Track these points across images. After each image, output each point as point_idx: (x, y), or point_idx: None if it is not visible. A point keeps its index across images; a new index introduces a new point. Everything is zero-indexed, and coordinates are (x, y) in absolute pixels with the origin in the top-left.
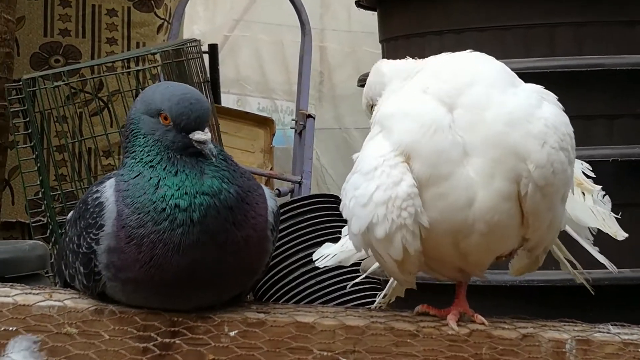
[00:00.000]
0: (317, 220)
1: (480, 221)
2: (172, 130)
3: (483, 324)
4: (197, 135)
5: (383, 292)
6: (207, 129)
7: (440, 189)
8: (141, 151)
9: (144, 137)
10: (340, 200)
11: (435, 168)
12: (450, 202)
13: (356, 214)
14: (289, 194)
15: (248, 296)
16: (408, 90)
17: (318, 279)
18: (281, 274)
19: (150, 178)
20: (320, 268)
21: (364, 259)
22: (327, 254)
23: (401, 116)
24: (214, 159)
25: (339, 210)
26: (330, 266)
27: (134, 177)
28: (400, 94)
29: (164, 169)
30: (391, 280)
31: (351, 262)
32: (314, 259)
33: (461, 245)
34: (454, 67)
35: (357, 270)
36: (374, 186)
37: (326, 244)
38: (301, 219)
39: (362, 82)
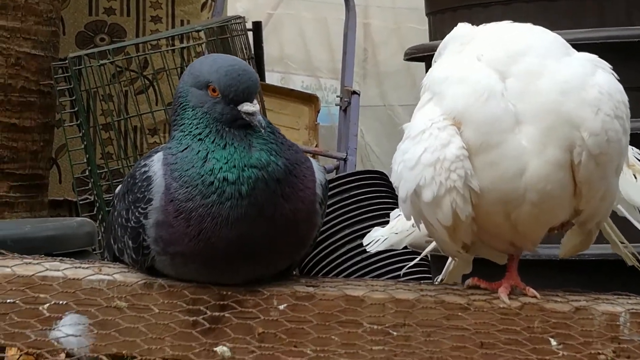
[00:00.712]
0: (362, 197)
1: (532, 190)
2: (221, 102)
3: (535, 297)
4: (246, 107)
5: (440, 277)
6: (255, 101)
7: (491, 156)
8: (189, 124)
9: (192, 110)
10: (386, 176)
11: (486, 135)
12: (501, 171)
13: (404, 177)
14: (334, 170)
15: (295, 271)
16: (461, 56)
17: (364, 255)
18: (327, 250)
19: (199, 151)
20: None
21: (415, 241)
22: (377, 238)
23: (453, 82)
24: (263, 131)
25: (384, 187)
26: (381, 250)
27: (182, 151)
28: (454, 59)
29: (213, 141)
30: (448, 261)
31: (403, 245)
32: (364, 244)
33: (512, 216)
34: (509, 36)
35: (406, 250)
36: (421, 149)
37: (375, 227)
38: (347, 195)
39: (408, 56)
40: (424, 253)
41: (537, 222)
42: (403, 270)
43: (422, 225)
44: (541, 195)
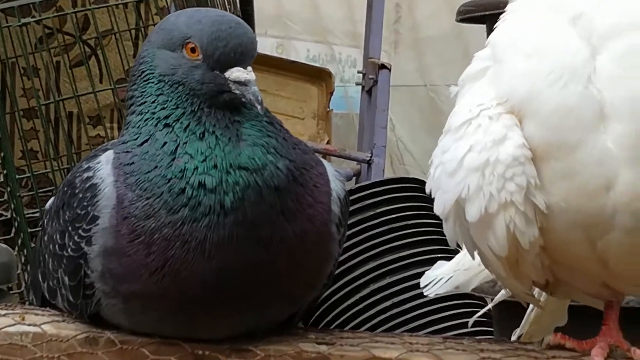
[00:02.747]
0: (394, 216)
1: (624, 212)
2: (201, 66)
3: None
4: (237, 73)
5: (517, 331)
6: (249, 68)
7: (565, 163)
8: (153, 102)
9: (158, 81)
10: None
11: (558, 133)
12: (578, 183)
13: (442, 186)
14: (354, 177)
15: (300, 321)
16: (547, 14)
17: (396, 299)
18: (344, 291)
19: (165, 143)
20: (397, 284)
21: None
22: (437, 278)
23: (521, 52)
24: (258, 108)
25: (425, 201)
26: (442, 294)
27: (142, 144)
28: (533, 17)
29: (185, 128)
30: (529, 309)
31: (473, 287)
32: (421, 286)
33: (598, 246)
34: None
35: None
36: (465, 146)
37: (438, 262)
38: (371, 213)
39: (463, 15)
40: (496, 299)
41: (634, 256)
42: (470, 321)
43: (476, 254)
44: (637, 219)
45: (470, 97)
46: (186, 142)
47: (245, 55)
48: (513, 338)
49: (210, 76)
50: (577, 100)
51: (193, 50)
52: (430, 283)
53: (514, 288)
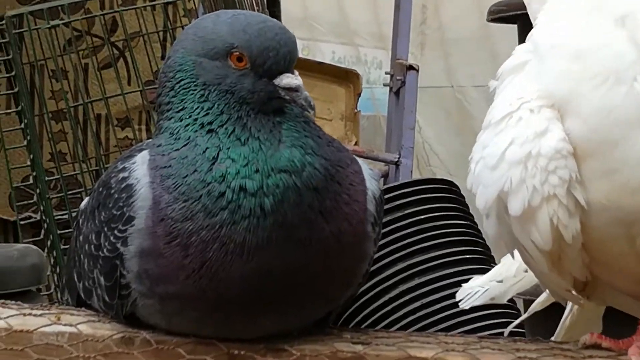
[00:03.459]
0: (422, 217)
1: None
2: (250, 75)
3: None
4: (287, 80)
5: (554, 336)
6: (296, 72)
7: (607, 160)
8: (196, 108)
9: (201, 89)
10: (456, 187)
11: (600, 130)
12: (619, 181)
13: (483, 180)
14: (382, 179)
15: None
16: (590, 13)
17: (424, 300)
18: (374, 291)
19: (207, 148)
20: (427, 285)
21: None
22: (474, 290)
23: (567, 53)
24: (312, 113)
25: (454, 203)
26: (478, 305)
27: (180, 148)
28: (576, 16)
29: (230, 134)
30: (565, 313)
31: (508, 298)
32: (457, 298)
33: (638, 243)
34: None
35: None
36: (507, 140)
37: (474, 277)
38: (400, 214)
39: (494, 15)
40: (535, 304)
41: None
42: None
43: (517, 254)
44: None
45: (510, 90)
46: (229, 148)
47: (293, 61)
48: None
49: (261, 84)
50: (620, 100)
51: (240, 59)
52: (466, 296)
53: (556, 284)
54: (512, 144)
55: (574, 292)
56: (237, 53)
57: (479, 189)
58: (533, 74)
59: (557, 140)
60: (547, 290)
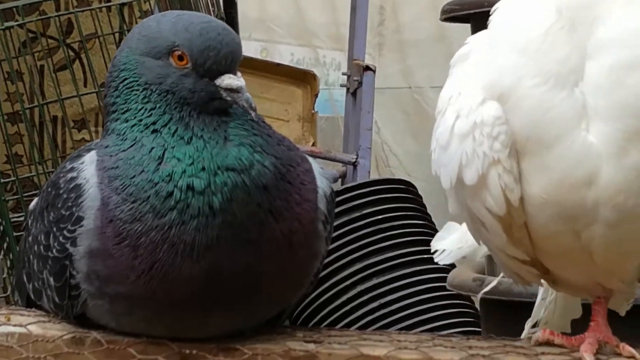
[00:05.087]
0: (380, 217)
1: (606, 206)
2: (191, 75)
3: (633, 357)
4: (228, 80)
5: (529, 321)
6: (239, 74)
7: (543, 158)
8: (140, 109)
9: (144, 89)
10: (413, 187)
11: (537, 129)
12: (555, 178)
13: (442, 160)
14: (339, 179)
15: (287, 319)
16: (550, 10)
17: (382, 300)
18: (331, 292)
19: (152, 148)
20: (384, 285)
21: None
22: (445, 250)
23: (516, 44)
24: (253, 114)
25: (411, 202)
26: (450, 263)
27: (127, 149)
28: (536, 11)
29: (173, 133)
30: (539, 294)
31: (480, 256)
32: (432, 252)
33: (583, 238)
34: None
35: (444, 292)
36: (452, 115)
37: (438, 234)
38: (357, 214)
39: (447, 15)
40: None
41: (619, 250)
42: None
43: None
44: (620, 212)
45: (453, 81)
46: (174, 147)
47: (235, 62)
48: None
49: (201, 84)
50: (559, 101)
51: (181, 58)
52: (439, 253)
53: (511, 256)
54: (459, 117)
55: (529, 268)
56: (179, 52)
57: (441, 170)
58: (481, 63)
59: (495, 109)
60: (503, 268)
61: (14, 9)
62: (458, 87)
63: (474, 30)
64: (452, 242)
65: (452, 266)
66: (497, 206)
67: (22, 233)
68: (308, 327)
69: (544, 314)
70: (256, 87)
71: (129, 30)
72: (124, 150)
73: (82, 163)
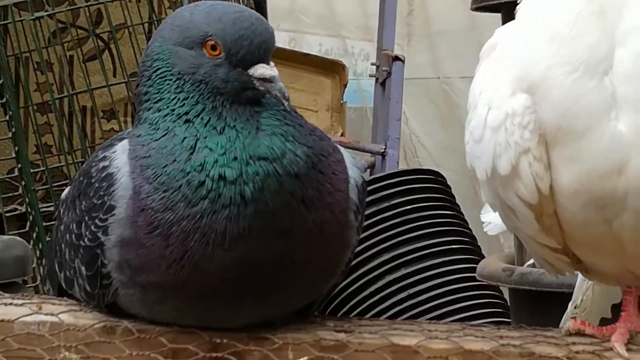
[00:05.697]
0: (409, 207)
1: (636, 194)
2: (224, 65)
3: None
4: (261, 70)
5: (568, 309)
6: (272, 63)
7: (573, 148)
8: (173, 99)
9: (177, 79)
10: (442, 177)
11: (567, 118)
12: (587, 167)
13: (476, 153)
14: (368, 170)
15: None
16: None
17: (411, 290)
18: (359, 282)
19: (185, 138)
20: (413, 275)
21: None
22: (491, 221)
23: (545, 32)
24: (286, 104)
25: (440, 193)
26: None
27: (159, 138)
28: None
29: (206, 123)
30: (577, 283)
31: None
32: (482, 221)
33: (614, 226)
34: None
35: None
36: (484, 108)
37: (486, 206)
38: (386, 204)
39: (477, 4)
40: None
41: None
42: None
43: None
44: None
45: (484, 73)
46: (206, 137)
47: (268, 51)
48: (569, 309)
49: (234, 74)
50: (589, 91)
51: (214, 48)
52: (486, 223)
53: (543, 244)
54: (490, 109)
55: (561, 256)
56: (212, 42)
57: (475, 162)
58: (506, 58)
59: (524, 99)
60: (534, 257)
61: (44, 0)
62: (488, 80)
63: (505, 20)
64: (497, 217)
65: (482, 256)
66: (529, 194)
67: (51, 223)
68: (338, 316)
69: (582, 299)
70: (285, 77)
71: (158, 21)
72: (156, 140)
73: (114, 152)
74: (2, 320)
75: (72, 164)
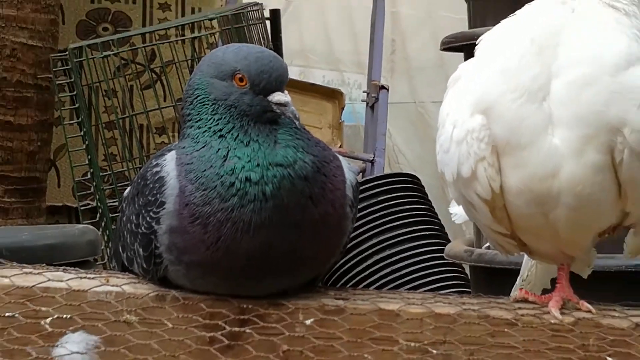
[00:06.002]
0: (392, 202)
1: (567, 194)
2: (249, 93)
3: (590, 311)
4: (278, 97)
5: (517, 283)
6: (286, 91)
7: (519, 158)
8: (209, 119)
9: (213, 104)
10: (418, 179)
11: (514, 134)
12: (529, 172)
13: (445, 161)
14: (360, 173)
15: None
16: (522, 38)
17: (394, 267)
18: (353, 261)
19: (219, 149)
20: (395, 255)
21: None
22: (457, 212)
23: (498, 66)
24: (297, 123)
25: (416, 191)
26: (459, 222)
27: (199, 149)
28: (511, 39)
29: (235, 138)
30: (524, 262)
31: None
32: (450, 212)
33: (550, 218)
34: (587, 33)
35: (441, 260)
36: (450, 126)
37: (453, 202)
38: (374, 200)
39: (445, 45)
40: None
41: (578, 227)
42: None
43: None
44: (578, 199)
45: (450, 99)
46: (236, 148)
47: (283, 82)
48: (518, 281)
49: (257, 100)
50: (531, 113)
51: (241, 79)
52: (454, 215)
53: (495, 231)
54: (455, 127)
55: (510, 241)
56: (240, 75)
57: (444, 168)
58: (467, 88)
59: (480, 119)
60: (489, 241)
61: (111, 42)
62: (453, 104)
63: (467, 57)
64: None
65: (449, 241)
66: (484, 192)
67: (115, 215)
68: (337, 287)
69: (527, 274)
70: (297, 101)
71: (199, 59)
72: (197, 150)
73: (165, 160)
74: (78, 290)
75: (132, 169)
